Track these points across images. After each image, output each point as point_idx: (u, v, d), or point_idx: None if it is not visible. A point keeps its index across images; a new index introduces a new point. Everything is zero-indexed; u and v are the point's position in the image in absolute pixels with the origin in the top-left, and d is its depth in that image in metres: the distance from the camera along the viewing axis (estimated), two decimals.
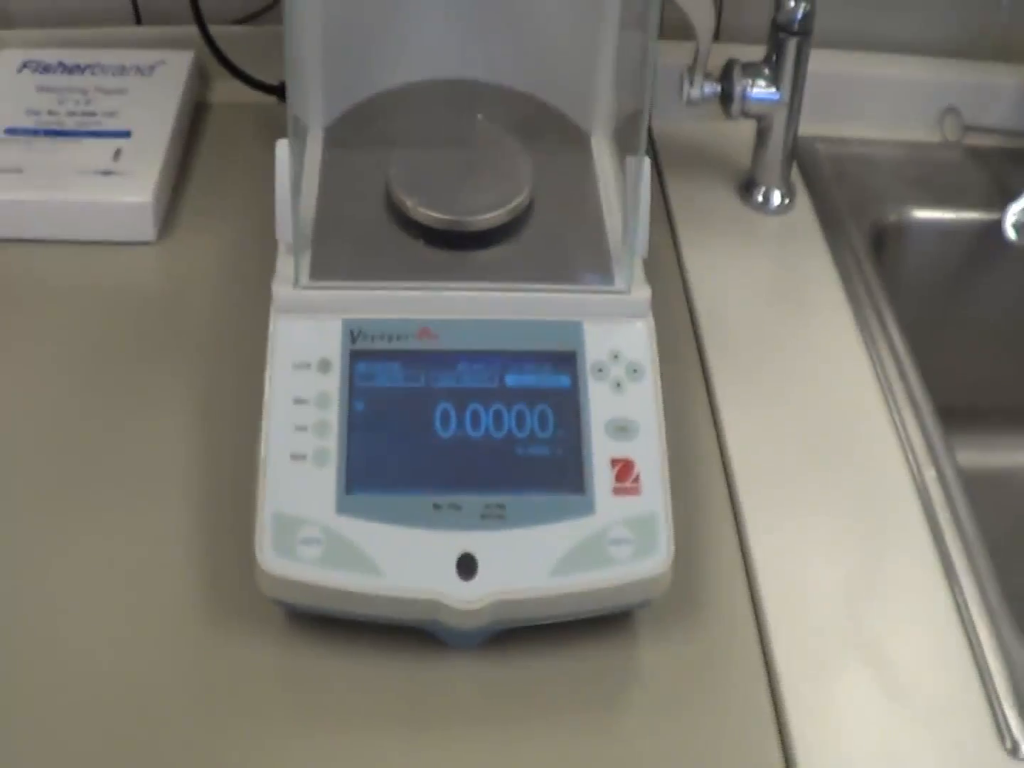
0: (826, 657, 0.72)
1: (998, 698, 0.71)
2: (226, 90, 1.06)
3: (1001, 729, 0.70)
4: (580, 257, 0.79)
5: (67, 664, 0.70)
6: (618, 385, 0.74)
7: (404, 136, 0.83)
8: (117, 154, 0.95)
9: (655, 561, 0.69)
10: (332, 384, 0.72)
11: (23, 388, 0.84)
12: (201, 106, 1.06)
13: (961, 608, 0.75)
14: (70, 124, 0.97)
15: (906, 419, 0.85)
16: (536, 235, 0.79)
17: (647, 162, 0.75)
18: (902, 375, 0.88)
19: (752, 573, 0.76)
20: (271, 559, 0.68)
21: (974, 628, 0.74)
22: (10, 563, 0.75)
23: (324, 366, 0.73)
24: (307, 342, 0.73)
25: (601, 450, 0.72)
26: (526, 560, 0.69)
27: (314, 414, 0.71)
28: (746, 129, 1.01)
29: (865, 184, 1.05)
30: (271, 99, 1.01)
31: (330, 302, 0.74)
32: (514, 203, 0.78)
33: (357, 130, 0.86)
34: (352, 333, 0.74)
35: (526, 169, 0.80)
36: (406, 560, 0.68)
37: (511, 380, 0.74)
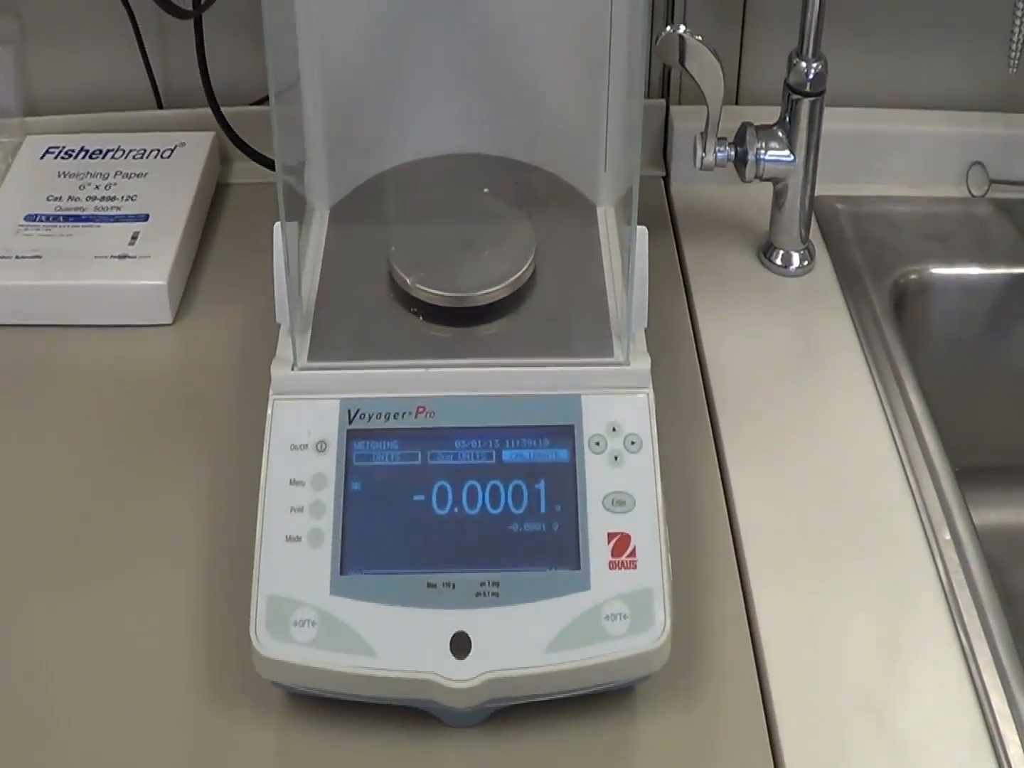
0: (833, 729, 0.71)
1: (1009, 765, 0.69)
2: (246, 170, 1.08)
3: None
4: (580, 330, 0.79)
5: (67, 741, 0.71)
6: (616, 458, 0.74)
7: (407, 213, 0.84)
8: (134, 238, 0.96)
9: (651, 636, 0.69)
10: (328, 465, 0.73)
11: (38, 466, 0.86)
12: (221, 186, 1.08)
13: (973, 673, 0.74)
14: (89, 209, 0.99)
15: (922, 481, 0.84)
16: (537, 309, 0.80)
17: (642, 231, 0.75)
18: (919, 436, 0.87)
19: (758, 645, 0.75)
20: (266, 641, 0.68)
21: (986, 693, 0.73)
22: (13, 636, 0.76)
23: (321, 447, 0.73)
24: (304, 423, 0.74)
25: (598, 524, 0.72)
26: (520, 637, 0.69)
27: (310, 495, 0.72)
28: (766, 191, 1.00)
29: (887, 242, 1.04)
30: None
31: (328, 383, 0.75)
32: (514, 278, 0.79)
33: (362, 209, 0.87)
34: (349, 413, 0.74)
35: (528, 243, 0.81)
36: (400, 640, 0.68)
37: (508, 456, 0.74)
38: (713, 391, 0.91)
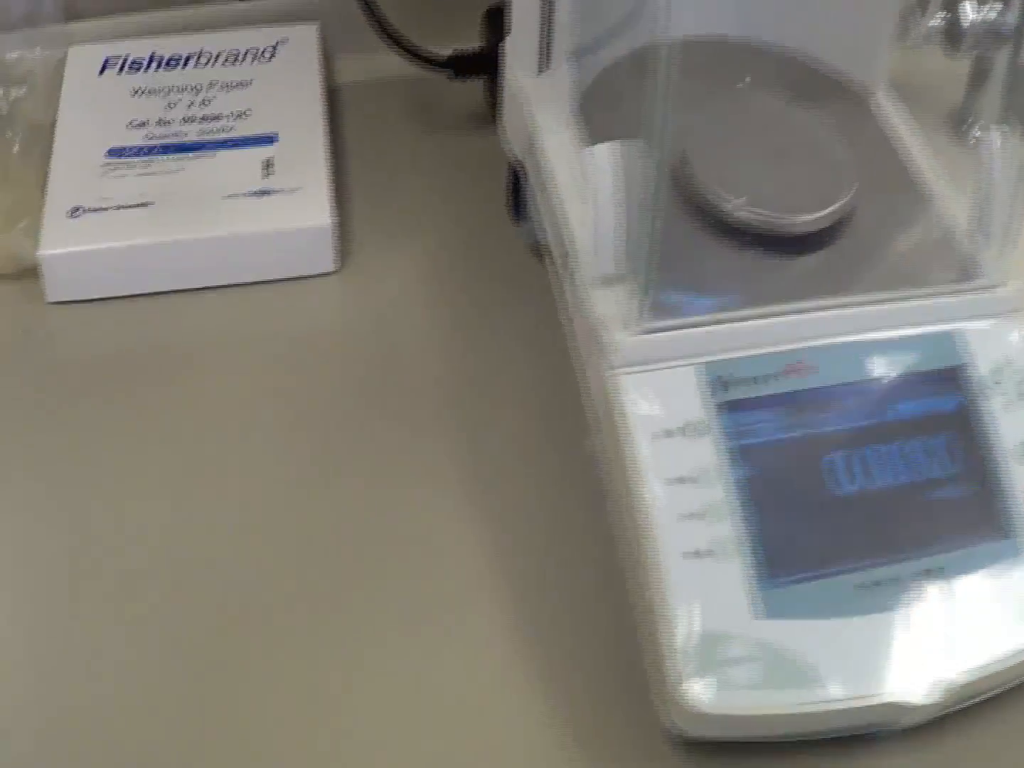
0: None
1: None
2: (352, 66, 0.87)
3: None
4: (927, 253, 0.65)
5: None
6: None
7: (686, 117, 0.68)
8: (268, 166, 0.76)
9: None
10: (707, 451, 0.58)
11: (220, 475, 0.67)
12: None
13: None
14: (192, 135, 0.77)
15: None
16: (860, 232, 0.65)
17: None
18: None
19: None
20: (696, 691, 0.54)
21: None
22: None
23: (691, 430, 0.58)
24: (661, 401, 0.58)
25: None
26: (977, 628, 0.56)
27: (697, 496, 0.57)
28: None
29: None
30: (414, 74, 0.81)
31: (676, 345, 0.59)
32: (845, 198, 0.64)
33: (612, 107, 0.69)
34: (715, 381, 0.59)
35: (844, 154, 0.66)
36: (843, 660, 0.55)
37: (900, 411, 0.60)
38: None
